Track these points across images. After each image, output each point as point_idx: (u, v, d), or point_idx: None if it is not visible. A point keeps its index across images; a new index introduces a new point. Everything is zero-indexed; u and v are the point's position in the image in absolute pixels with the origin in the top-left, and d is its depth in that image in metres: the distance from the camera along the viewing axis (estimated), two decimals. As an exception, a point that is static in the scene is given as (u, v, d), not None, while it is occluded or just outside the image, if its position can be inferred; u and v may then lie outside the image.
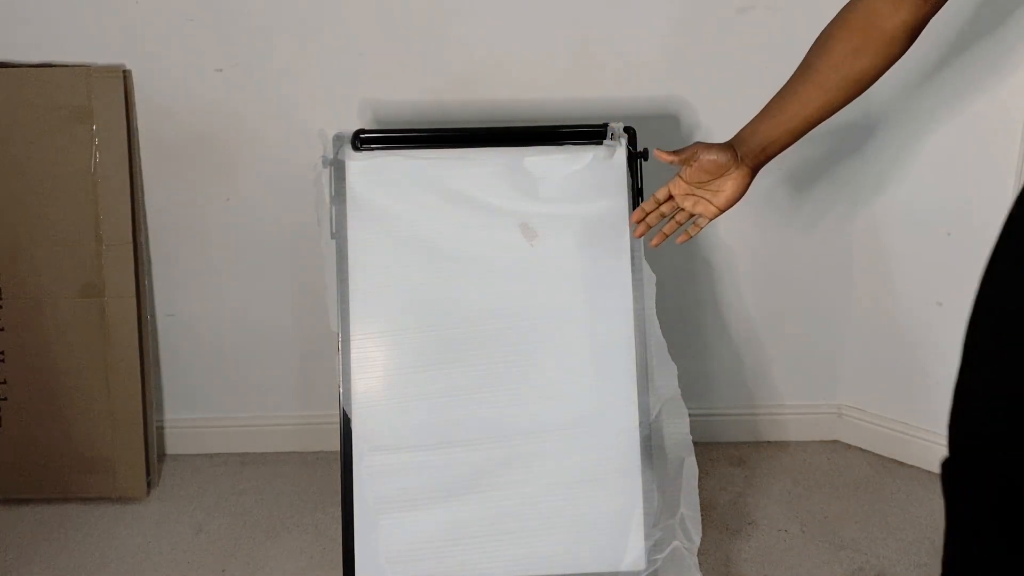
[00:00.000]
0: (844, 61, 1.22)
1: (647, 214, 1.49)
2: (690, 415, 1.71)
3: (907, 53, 1.22)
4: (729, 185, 1.37)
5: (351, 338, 1.67)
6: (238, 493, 2.12)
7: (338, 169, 1.70)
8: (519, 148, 1.72)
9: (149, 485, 2.11)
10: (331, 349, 1.71)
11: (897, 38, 1.19)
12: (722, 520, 1.99)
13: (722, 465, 2.19)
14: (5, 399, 2.05)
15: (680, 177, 1.41)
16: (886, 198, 2.07)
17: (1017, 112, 1.88)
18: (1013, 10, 1.83)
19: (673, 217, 1.47)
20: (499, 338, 1.69)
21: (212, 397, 2.24)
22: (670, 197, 1.45)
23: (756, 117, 1.34)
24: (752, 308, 2.21)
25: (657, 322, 1.70)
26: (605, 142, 1.73)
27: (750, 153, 1.35)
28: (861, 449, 2.23)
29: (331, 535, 1.91)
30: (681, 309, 2.18)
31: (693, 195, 1.41)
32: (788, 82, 1.30)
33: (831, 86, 1.24)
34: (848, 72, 1.23)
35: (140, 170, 2.07)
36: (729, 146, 1.36)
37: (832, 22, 1.25)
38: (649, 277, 1.70)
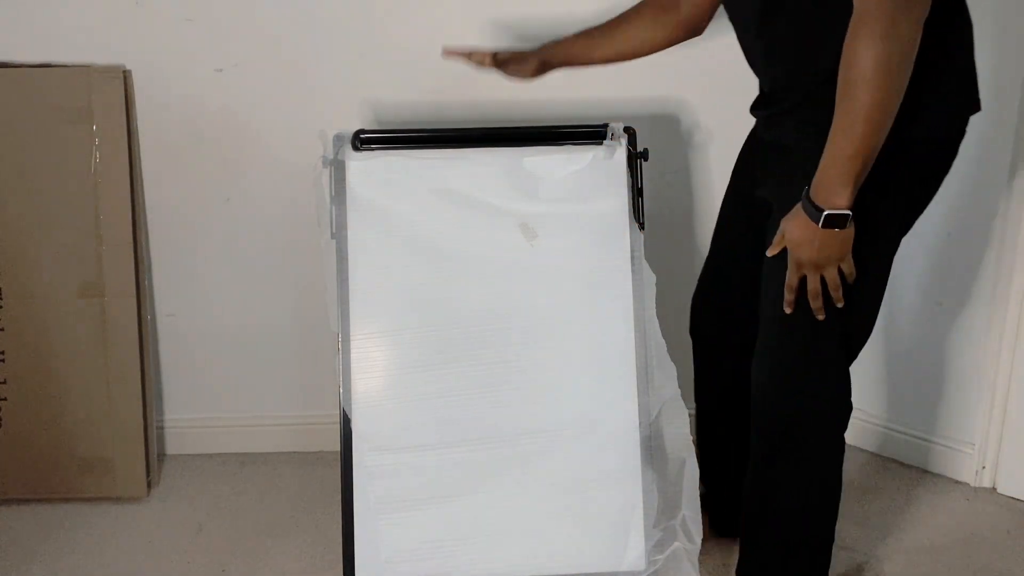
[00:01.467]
0: (644, 29, 1.66)
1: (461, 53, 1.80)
2: (690, 415, 1.71)
3: None
4: (522, 74, 1.74)
5: (351, 338, 1.67)
6: (238, 493, 2.12)
7: (338, 169, 1.70)
8: (519, 148, 1.72)
9: (149, 485, 2.11)
10: (331, 349, 1.71)
11: (681, 24, 1.64)
12: (722, 520, 1.99)
13: (722, 465, 2.19)
14: (5, 399, 2.05)
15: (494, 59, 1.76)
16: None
17: (1008, 116, 1.90)
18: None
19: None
20: (499, 338, 1.69)
21: (212, 397, 2.24)
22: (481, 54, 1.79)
23: (568, 40, 1.73)
24: (752, 308, 2.20)
25: (657, 322, 1.70)
26: (605, 142, 1.73)
27: (550, 62, 1.74)
28: (861, 449, 2.23)
29: (331, 535, 1.91)
30: (681, 309, 2.17)
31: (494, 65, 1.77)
32: (600, 28, 1.70)
33: (626, 45, 1.68)
34: (644, 38, 1.66)
35: (140, 170, 2.07)
36: (537, 55, 1.73)
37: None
38: (649, 277, 1.70)
